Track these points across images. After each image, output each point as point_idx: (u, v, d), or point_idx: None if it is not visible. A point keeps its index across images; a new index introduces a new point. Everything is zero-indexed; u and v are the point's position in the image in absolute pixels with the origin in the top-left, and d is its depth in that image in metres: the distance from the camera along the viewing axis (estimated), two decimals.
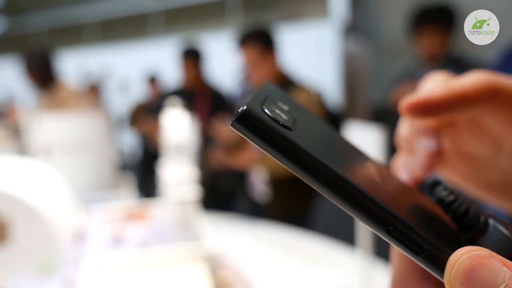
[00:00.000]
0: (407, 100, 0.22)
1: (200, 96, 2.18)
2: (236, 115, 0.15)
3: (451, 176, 0.27)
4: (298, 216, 1.72)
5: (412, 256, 0.15)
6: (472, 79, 0.22)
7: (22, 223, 0.93)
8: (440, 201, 0.19)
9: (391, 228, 0.15)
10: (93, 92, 3.28)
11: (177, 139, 1.11)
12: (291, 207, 1.68)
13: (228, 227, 1.38)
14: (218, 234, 1.18)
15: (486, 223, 0.17)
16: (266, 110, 0.15)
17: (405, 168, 0.24)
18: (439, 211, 0.19)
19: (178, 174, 1.11)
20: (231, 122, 0.15)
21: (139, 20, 6.70)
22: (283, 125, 0.15)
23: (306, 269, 1.04)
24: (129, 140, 3.56)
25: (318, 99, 1.68)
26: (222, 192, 2.00)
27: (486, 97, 0.22)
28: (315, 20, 5.05)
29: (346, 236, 1.54)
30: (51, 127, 1.56)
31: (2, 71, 5.47)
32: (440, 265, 0.15)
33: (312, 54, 4.61)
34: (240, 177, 1.87)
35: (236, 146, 1.80)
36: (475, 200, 0.22)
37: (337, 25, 4.66)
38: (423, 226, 0.16)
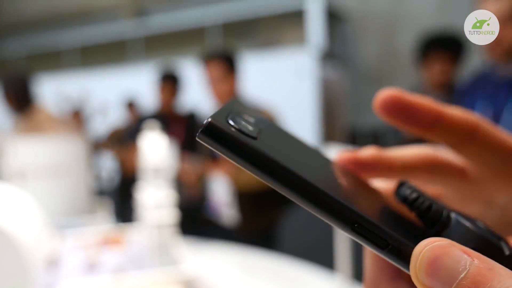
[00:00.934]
0: (381, 93, 0.21)
1: (175, 120, 2.19)
2: (201, 128, 0.15)
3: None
4: (269, 234, 1.73)
5: (378, 251, 0.16)
6: (456, 109, 0.21)
7: None
8: (405, 200, 0.20)
9: (355, 225, 0.15)
10: (76, 116, 3.24)
11: (155, 162, 1.11)
12: (260, 223, 1.70)
13: (205, 251, 1.36)
14: (195, 258, 1.17)
15: (448, 217, 0.18)
16: (231, 122, 0.16)
17: None
18: (403, 209, 0.20)
19: (156, 197, 1.11)
20: (197, 135, 0.15)
21: (119, 46, 6.72)
22: (247, 135, 0.16)
23: None
24: (107, 165, 3.51)
25: (278, 120, 1.75)
26: (199, 217, 1.99)
27: (464, 128, 0.21)
28: (293, 47, 5.17)
29: (322, 257, 1.54)
30: (26, 151, 1.54)
31: None
32: (405, 258, 0.15)
33: (291, 80, 4.70)
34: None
35: (200, 185, 1.85)
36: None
37: (314, 52, 4.78)
38: (387, 222, 0.16)
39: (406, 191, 0.20)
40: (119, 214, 2.31)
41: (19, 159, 1.50)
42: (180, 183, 1.91)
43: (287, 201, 1.80)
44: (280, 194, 0.16)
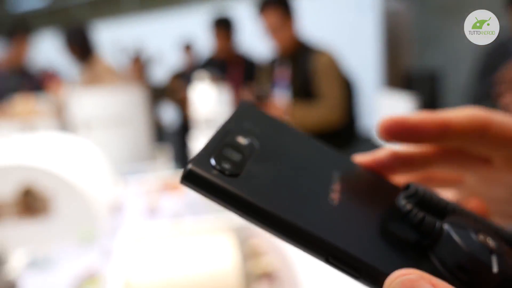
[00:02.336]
0: (382, 121, 0.21)
1: (232, 66, 2.19)
2: (182, 174, 0.17)
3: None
4: None
5: (353, 279, 0.16)
6: (460, 111, 0.21)
7: (62, 198, 0.99)
8: (399, 211, 0.20)
9: (329, 257, 0.16)
10: (135, 64, 3.33)
11: (206, 113, 1.12)
12: None
13: None
14: None
15: (440, 230, 0.18)
16: (213, 162, 0.17)
17: None
18: (395, 223, 0.19)
19: None
20: (179, 180, 0.17)
21: None
22: (228, 174, 0.17)
23: None
24: (167, 111, 3.63)
25: (336, 63, 1.70)
26: None
27: (473, 130, 0.21)
28: None
29: None
30: (90, 102, 1.62)
31: (44, 44, 5.65)
32: (377, 286, 0.16)
33: (351, 15, 4.44)
34: None
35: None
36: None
37: None
38: (365, 246, 0.17)
39: (401, 202, 0.20)
40: (178, 160, 2.42)
41: (84, 110, 1.59)
42: None
43: (347, 143, 1.78)
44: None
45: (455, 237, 0.17)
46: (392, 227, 0.19)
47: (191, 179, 0.16)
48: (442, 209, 0.20)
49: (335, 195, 0.19)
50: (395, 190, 0.22)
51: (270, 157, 0.20)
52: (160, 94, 3.07)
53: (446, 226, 0.18)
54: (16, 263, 0.61)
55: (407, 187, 0.21)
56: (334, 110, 1.64)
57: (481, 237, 0.17)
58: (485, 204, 0.23)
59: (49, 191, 0.99)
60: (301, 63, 1.70)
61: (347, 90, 1.77)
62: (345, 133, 1.75)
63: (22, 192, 0.98)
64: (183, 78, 2.86)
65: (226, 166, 0.17)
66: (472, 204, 0.22)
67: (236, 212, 0.17)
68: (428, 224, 0.18)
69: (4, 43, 2.33)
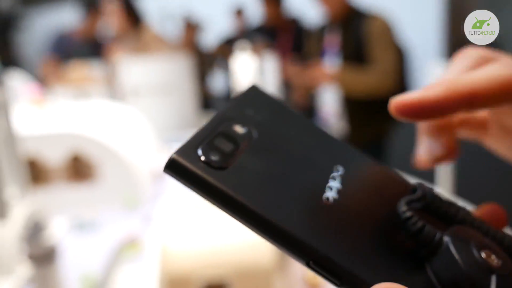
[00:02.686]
0: (396, 100, 0.19)
1: (282, 32, 2.15)
2: (165, 163, 0.16)
3: (495, 148, 0.24)
4: (378, 146, 1.69)
5: (334, 285, 0.16)
6: (488, 74, 0.18)
7: (108, 165, 1.04)
8: (399, 217, 0.18)
9: (310, 262, 0.16)
10: (188, 30, 3.34)
11: (247, 83, 1.11)
12: (370, 135, 1.66)
13: None
14: None
15: (440, 242, 0.17)
16: (200, 152, 0.17)
17: (428, 154, 0.22)
18: (393, 229, 0.18)
19: None
20: (163, 169, 0.16)
21: None
22: (214, 167, 0.16)
23: None
24: (216, 78, 3.64)
25: (390, 28, 1.62)
26: None
27: (504, 97, 0.18)
28: None
29: (424, 172, 1.46)
30: (138, 70, 1.66)
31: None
32: None
33: None
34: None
35: (308, 95, 1.80)
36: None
37: None
38: (350, 254, 0.16)
39: (401, 208, 0.18)
40: None
41: (132, 78, 1.63)
42: (288, 91, 1.92)
43: None
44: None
45: (454, 251, 0.16)
46: (388, 233, 0.18)
47: (173, 169, 0.16)
48: (451, 217, 0.19)
49: (331, 194, 0.18)
50: (403, 191, 0.20)
51: (267, 148, 0.19)
52: (210, 60, 3.07)
53: (446, 238, 0.17)
54: (57, 228, 0.65)
55: (414, 189, 0.20)
56: (386, 76, 1.57)
57: (484, 253, 0.16)
58: (504, 212, 0.20)
59: (95, 158, 1.03)
60: (353, 28, 1.63)
61: (400, 57, 1.69)
62: None
63: (70, 158, 1.04)
64: (233, 44, 2.84)
65: (214, 157, 0.17)
66: (489, 210, 0.20)
67: (217, 206, 0.16)
68: (427, 234, 0.17)
69: (80, 13, 2.47)
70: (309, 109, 1.88)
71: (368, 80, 1.57)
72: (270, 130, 0.20)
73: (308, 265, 0.16)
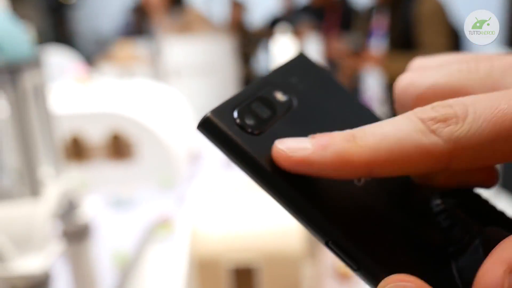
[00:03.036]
0: (284, 150, 0.15)
1: (329, 13, 2.09)
2: (199, 121, 0.16)
3: None
4: None
5: (350, 269, 0.16)
6: (396, 135, 0.14)
7: (146, 145, 1.06)
8: (431, 210, 0.18)
9: (329, 242, 0.15)
10: (236, 11, 3.32)
11: None
12: None
13: None
14: None
15: (470, 242, 0.16)
16: (235, 114, 0.16)
17: None
18: (424, 221, 0.18)
19: None
20: (196, 126, 0.16)
21: None
22: (247, 131, 0.16)
23: None
24: (259, 60, 3.61)
25: (444, 9, 1.53)
26: None
27: (425, 168, 0.14)
28: None
29: None
30: (180, 50, 1.67)
31: None
32: (374, 284, 0.15)
33: None
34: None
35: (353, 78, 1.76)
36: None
37: None
38: (372, 240, 0.15)
39: (436, 200, 0.18)
40: None
41: (175, 58, 1.64)
42: (333, 72, 1.88)
43: None
44: None
45: (482, 253, 0.15)
46: (418, 224, 0.17)
47: (206, 127, 0.16)
48: (486, 218, 0.17)
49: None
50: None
51: (305, 119, 0.19)
52: (254, 41, 3.05)
53: (477, 239, 0.16)
54: (91, 206, 0.67)
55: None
56: None
57: None
58: None
59: (134, 137, 1.06)
60: (402, 9, 1.55)
61: (454, 42, 1.59)
62: None
63: (110, 136, 1.07)
64: (279, 24, 2.80)
65: (249, 121, 0.16)
66: None
67: (243, 171, 0.16)
68: (458, 231, 0.16)
69: None
70: (353, 92, 1.84)
71: None
72: (312, 100, 0.19)
73: (327, 244, 0.15)
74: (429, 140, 0.13)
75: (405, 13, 1.54)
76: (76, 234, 0.63)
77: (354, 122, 0.19)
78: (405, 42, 1.55)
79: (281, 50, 1.09)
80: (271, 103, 0.18)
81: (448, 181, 0.17)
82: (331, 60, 1.86)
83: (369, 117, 0.21)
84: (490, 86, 0.16)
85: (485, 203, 0.18)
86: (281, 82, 0.19)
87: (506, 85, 0.15)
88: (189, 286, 0.87)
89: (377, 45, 1.63)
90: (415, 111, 0.14)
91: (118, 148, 1.07)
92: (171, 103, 1.29)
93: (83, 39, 4.47)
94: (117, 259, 0.77)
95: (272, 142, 0.16)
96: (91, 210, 0.66)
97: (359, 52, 1.63)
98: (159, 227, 0.91)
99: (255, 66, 3.20)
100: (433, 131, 0.13)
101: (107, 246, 0.82)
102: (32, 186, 0.52)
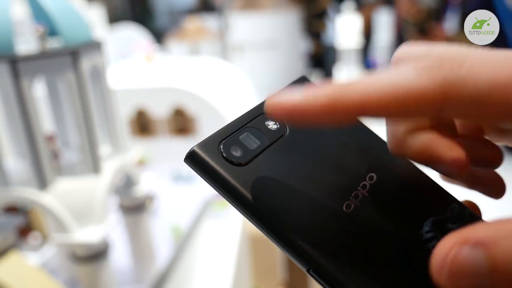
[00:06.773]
0: (273, 99, 0.15)
1: None
2: (187, 153, 0.16)
3: None
4: None
5: None
6: (391, 82, 0.14)
7: (207, 120, 1.08)
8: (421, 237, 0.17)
9: (310, 269, 0.15)
10: None
11: (348, 44, 1.05)
12: None
13: None
14: None
15: None
16: (221, 146, 0.16)
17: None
18: (412, 248, 0.17)
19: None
20: (184, 159, 0.17)
21: None
22: (234, 162, 0.16)
23: None
24: (325, 36, 3.49)
25: None
26: None
27: (412, 112, 0.14)
28: None
29: None
30: (244, 26, 1.66)
31: None
32: None
33: None
34: None
35: None
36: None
37: None
38: (353, 268, 0.15)
39: (425, 227, 0.17)
40: None
41: (239, 34, 1.64)
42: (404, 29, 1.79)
43: None
44: None
45: None
46: (407, 252, 0.17)
47: (192, 160, 0.16)
48: None
49: (354, 203, 0.17)
50: (439, 207, 0.18)
51: (295, 148, 0.18)
52: (322, 16, 2.95)
53: None
54: (152, 180, 0.70)
55: (451, 208, 0.18)
56: None
57: None
58: None
59: (196, 113, 1.09)
60: None
61: None
62: None
63: (174, 112, 1.10)
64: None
65: (235, 153, 0.17)
66: None
67: (227, 200, 0.16)
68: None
69: None
70: None
71: None
72: (304, 130, 0.19)
73: (308, 272, 0.16)
74: (421, 82, 0.13)
75: None
76: (134, 208, 0.67)
77: (351, 151, 0.20)
78: None
79: (345, 27, 1.05)
80: (261, 133, 0.18)
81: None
82: (402, 20, 1.75)
83: (367, 143, 0.20)
84: None
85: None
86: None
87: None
88: (241, 259, 0.90)
89: (452, 20, 1.51)
90: (409, 62, 0.15)
91: (181, 123, 1.10)
92: (234, 81, 1.30)
93: (158, 15, 4.62)
94: (175, 233, 0.81)
95: (257, 172, 0.16)
96: (152, 183, 0.70)
97: (426, 31, 1.51)
98: (215, 204, 0.93)
99: (321, 41, 3.12)
100: (427, 75, 0.13)
101: (166, 219, 0.86)
102: (93, 164, 0.56)
